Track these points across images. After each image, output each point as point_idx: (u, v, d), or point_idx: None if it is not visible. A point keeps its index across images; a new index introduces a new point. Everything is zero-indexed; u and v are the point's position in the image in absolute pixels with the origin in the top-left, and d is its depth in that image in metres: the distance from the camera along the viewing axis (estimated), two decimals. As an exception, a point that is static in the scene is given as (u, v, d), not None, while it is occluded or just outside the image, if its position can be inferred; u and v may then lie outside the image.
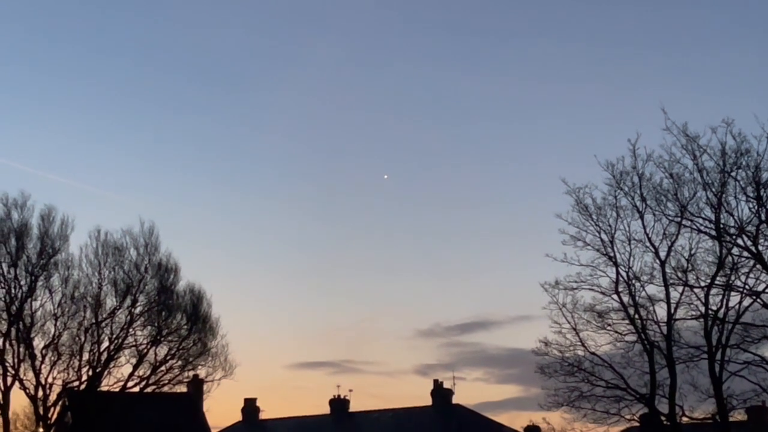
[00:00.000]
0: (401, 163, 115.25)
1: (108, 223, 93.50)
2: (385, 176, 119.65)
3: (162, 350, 51.41)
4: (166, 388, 52.34)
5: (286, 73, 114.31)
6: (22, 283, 50.61)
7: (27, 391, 50.43)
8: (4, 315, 50.39)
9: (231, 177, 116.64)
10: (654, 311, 39.11)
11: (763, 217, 36.21)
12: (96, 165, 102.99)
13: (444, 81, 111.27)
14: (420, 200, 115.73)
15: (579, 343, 39.83)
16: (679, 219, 37.81)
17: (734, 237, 37.19)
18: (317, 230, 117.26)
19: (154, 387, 51.40)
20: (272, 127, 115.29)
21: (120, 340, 50.56)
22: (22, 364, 50.35)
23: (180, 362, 51.90)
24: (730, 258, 37.32)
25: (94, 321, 50.37)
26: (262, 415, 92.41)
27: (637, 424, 41.38)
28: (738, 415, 40.40)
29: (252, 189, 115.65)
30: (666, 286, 38.27)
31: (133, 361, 50.83)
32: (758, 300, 36.82)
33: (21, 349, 50.33)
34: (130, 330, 50.80)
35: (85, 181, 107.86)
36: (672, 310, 38.30)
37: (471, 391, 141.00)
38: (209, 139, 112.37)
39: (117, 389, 50.59)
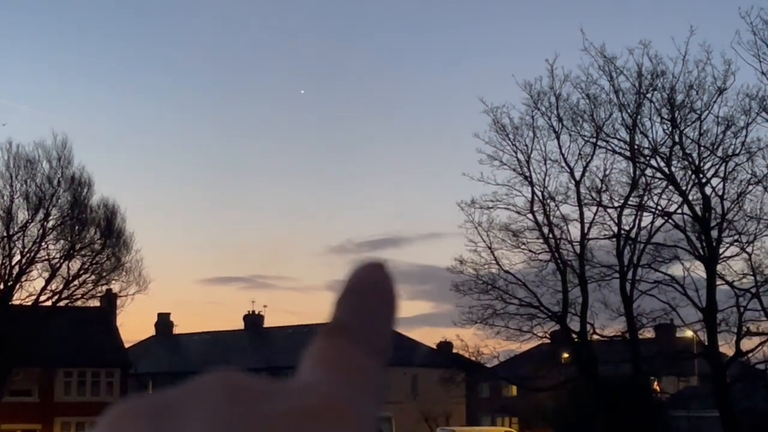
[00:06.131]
0: (318, 77, 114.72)
1: (20, 136, 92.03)
2: (302, 91, 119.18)
3: (75, 264, 51.00)
4: (79, 303, 52.06)
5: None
6: (-70, 194, 49.61)
7: (-64, 304, 49.73)
8: None
9: (146, 90, 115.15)
10: (568, 231, 39.75)
11: (676, 138, 36.79)
12: (7, 77, 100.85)
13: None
14: (336, 115, 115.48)
15: (494, 262, 40.33)
16: (594, 140, 38.27)
17: (648, 158, 37.80)
18: (232, 145, 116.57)
19: (66, 301, 51.05)
20: (187, 38, 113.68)
21: (32, 254, 50.01)
22: (-70, 278, 49.59)
23: (93, 277, 51.57)
24: (643, 179, 38.01)
25: (5, 234, 49.73)
26: (176, 330, 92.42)
27: (548, 341, 42.14)
28: (647, 333, 41.28)
29: (167, 102, 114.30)
30: (580, 206, 38.86)
31: (46, 275, 50.38)
32: (669, 220, 37.55)
33: (-71, 262, 49.52)
34: (43, 244, 50.26)
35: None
36: (585, 230, 38.91)
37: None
38: (122, 51, 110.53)
39: (29, 303, 50.17)
